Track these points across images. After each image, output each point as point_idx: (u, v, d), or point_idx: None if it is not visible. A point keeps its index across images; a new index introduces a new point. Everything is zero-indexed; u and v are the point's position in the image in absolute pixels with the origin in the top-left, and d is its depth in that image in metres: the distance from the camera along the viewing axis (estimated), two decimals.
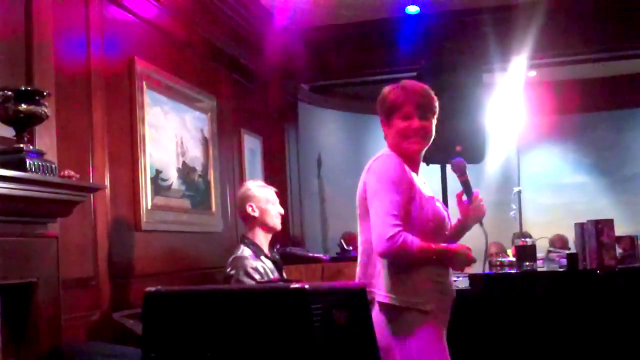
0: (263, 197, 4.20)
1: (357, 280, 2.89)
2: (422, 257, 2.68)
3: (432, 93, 2.89)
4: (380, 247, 2.67)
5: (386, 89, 2.94)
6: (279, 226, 4.25)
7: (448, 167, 4.54)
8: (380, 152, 2.90)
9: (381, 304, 2.77)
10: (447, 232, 2.87)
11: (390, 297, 2.74)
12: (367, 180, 2.81)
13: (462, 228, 2.95)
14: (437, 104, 2.88)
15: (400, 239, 2.62)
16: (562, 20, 6.45)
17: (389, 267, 2.76)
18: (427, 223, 2.73)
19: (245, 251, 4.05)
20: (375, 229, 2.68)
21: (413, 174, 2.84)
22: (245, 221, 4.23)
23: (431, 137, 2.87)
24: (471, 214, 2.90)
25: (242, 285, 3.77)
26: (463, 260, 2.73)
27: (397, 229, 2.63)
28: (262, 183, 4.38)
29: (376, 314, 2.77)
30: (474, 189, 2.95)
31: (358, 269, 2.92)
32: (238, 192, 4.37)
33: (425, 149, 2.90)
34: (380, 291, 2.77)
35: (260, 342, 2.75)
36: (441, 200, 3.09)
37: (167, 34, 5.04)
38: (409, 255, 2.67)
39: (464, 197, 2.95)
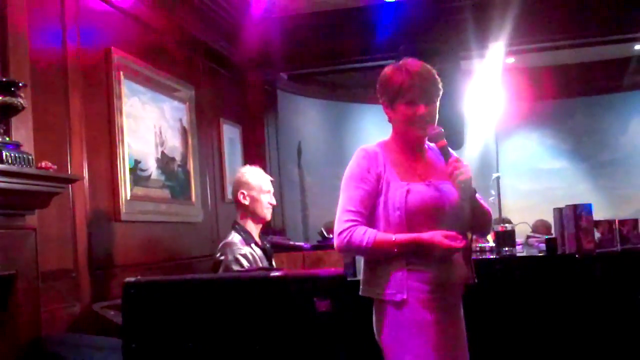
0: (257, 185, 4.17)
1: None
2: (377, 251, 2.65)
3: (436, 74, 2.79)
4: (335, 242, 2.71)
5: (388, 70, 2.80)
6: (267, 217, 4.23)
7: None
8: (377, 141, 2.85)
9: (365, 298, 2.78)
10: (448, 214, 2.70)
11: (365, 290, 2.76)
12: None
13: (461, 201, 2.72)
14: (441, 86, 2.79)
15: (348, 235, 2.65)
16: (538, 6, 6.48)
17: (365, 260, 2.79)
18: (393, 213, 2.66)
19: (235, 237, 4.04)
20: (334, 225, 2.73)
21: (406, 159, 2.78)
22: (237, 206, 4.22)
23: (436, 120, 2.78)
24: (454, 182, 2.68)
25: (222, 274, 3.77)
26: (438, 250, 2.60)
27: (347, 225, 2.66)
28: (260, 170, 4.31)
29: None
30: (452, 156, 2.74)
31: None
32: (235, 176, 4.35)
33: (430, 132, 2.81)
34: (361, 284, 2.79)
35: (241, 331, 2.76)
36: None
37: (144, 24, 5.01)
38: (360, 251, 2.70)
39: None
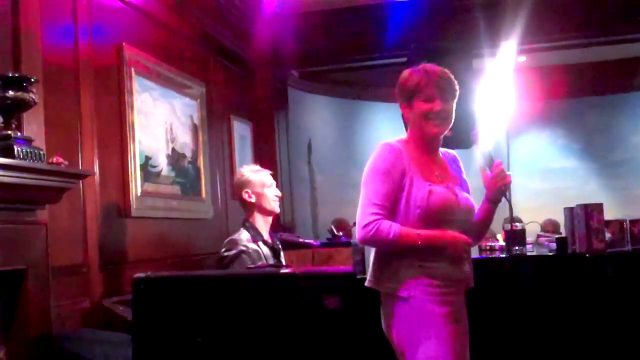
0: (258, 182, 4.21)
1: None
2: (402, 244, 2.69)
3: (453, 76, 2.89)
4: (358, 234, 2.75)
5: (406, 72, 2.90)
6: (277, 209, 4.27)
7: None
8: (395, 138, 2.89)
9: (374, 290, 2.81)
10: (459, 217, 2.82)
11: (374, 283, 2.80)
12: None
13: (490, 204, 2.92)
14: (457, 87, 2.88)
15: (375, 227, 2.68)
16: (550, 5, 6.45)
17: (377, 254, 2.82)
18: (414, 211, 2.72)
19: (243, 234, 4.07)
20: (357, 217, 2.76)
21: (424, 159, 2.85)
22: (244, 207, 4.24)
23: (452, 120, 2.87)
24: (494, 186, 2.86)
25: (231, 271, 3.77)
26: (459, 246, 2.74)
27: (373, 218, 2.70)
28: (257, 167, 4.37)
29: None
30: (495, 160, 2.91)
31: None
32: (234, 178, 4.37)
33: (446, 131, 2.89)
34: (369, 277, 2.83)
35: (251, 327, 2.76)
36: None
37: (155, 20, 5.01)
38: (385, 243, 2.72)
39: (487, 170, 2.92)
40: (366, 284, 2.82)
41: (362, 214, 2.73)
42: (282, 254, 4.33)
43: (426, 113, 2.80)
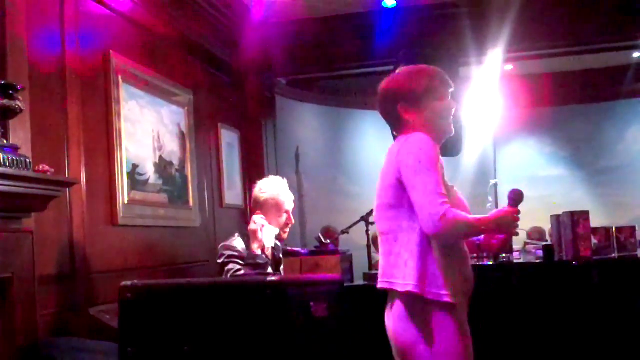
0: (289, 208, 4.19)
1: (381, 272, 2.74)
2: (471, 232, 2.66)
3: None
4: (432, 227, 2.52)
5: (402, 76, 2.84)
6: (284, 237, 4.23)
7: None
8: (407, 136, 2.70)
9: (405, 295, 2.60)
10: None
11: (418, 287, 2.57)
12: (401, 161, 2.62)
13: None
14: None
15: (452, 215, 2.50)
16: (537, 13, 6.48)
17: (420, 257, 2.59)
18: None
19: (236, 242, 3.99)
20: (424, 209, 2.53)
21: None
22: (253, 211, 4.14)
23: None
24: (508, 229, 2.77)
25: (218, 279, 3.76)
26: (510, 223, 2.68)
27: (446, 207, 2.51)
28: (285, 184, 4.28)
29: (397, 306, 2.65)
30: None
31: (381, 260, 2.75)
32: (260, 188, 4.22)
33: None
34: (406, 281, 2.60)
35: (238, 335, 2.76)
36: None
37: (143, 28, 5.01)
38: (461, 232, 2.60)
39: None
40: (401, 288, 2.60)
41: (432, 204, 2.51)
42: (282, 264, 4.30)
43: (443, 112, 2.76)
